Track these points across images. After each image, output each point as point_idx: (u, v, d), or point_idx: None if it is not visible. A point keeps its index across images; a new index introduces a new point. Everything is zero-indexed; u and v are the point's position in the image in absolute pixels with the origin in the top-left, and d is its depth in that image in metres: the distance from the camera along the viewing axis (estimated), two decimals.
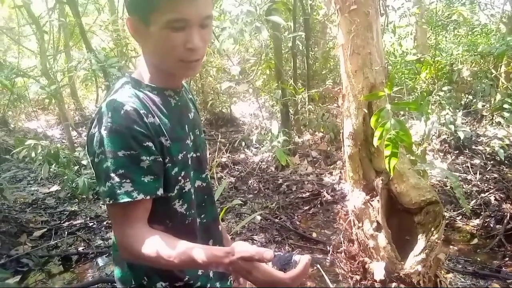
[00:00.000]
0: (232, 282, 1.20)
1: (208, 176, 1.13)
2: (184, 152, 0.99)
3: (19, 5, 5.58)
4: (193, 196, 1.03)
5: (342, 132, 1.95)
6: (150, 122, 0.89)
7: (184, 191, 0.99)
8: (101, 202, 4.26)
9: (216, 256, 0.82)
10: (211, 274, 1.08)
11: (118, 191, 0.84)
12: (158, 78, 0.96)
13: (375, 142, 1.55)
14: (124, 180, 0.85)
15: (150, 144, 0.88)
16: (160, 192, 0.91)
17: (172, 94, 1.00)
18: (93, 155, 0.88)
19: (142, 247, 0.85)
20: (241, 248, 0.80)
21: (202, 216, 1.09)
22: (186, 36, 0.86)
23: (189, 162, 1.01)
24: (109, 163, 0.84)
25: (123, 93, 0.92)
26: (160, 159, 0.91)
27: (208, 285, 1.06)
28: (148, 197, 0.87)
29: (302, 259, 0.84)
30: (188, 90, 1.14)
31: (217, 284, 1.10)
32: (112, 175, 0.84)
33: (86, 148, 0.95)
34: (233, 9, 3.41)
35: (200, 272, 1.05)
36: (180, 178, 0.97)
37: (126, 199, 0.85)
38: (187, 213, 1.01)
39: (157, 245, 0.85)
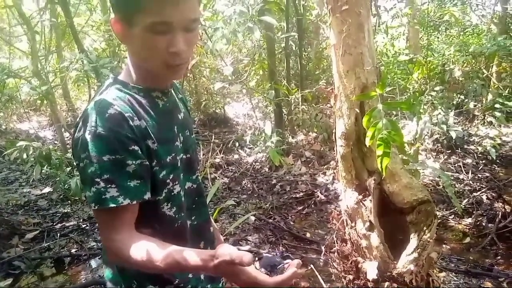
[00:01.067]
0: (224, 284, 1.19)
1: (199, 178, 1.12)
2: (173, 154, 0.97)
3: (9, 5, 5.53)
4: (182, 199, 1.02)
5: (335, 132, 1.95)
6: (136, 125, 0.87)
7: (172, 194, 0.98)
8: None
9: (201, 259, 0.81)
10: (202, 277, 1.07)
11: (104, 196, 0.83)
12: (144, 79, 0.94)
13: (367, 142, 1.55)
14: (110, 185, 0.83)
15: (136, 147, 0.86)
16: (147, 196, 0.89)
17: (159, 95, 0.98)
18: (78, 159, 0.87)
19: (129, 252, 0.84)
20: (223, 251, 0.79)
21: (193, 218, 1.08)
22: (169, 39, 0.83)
23: (179, 164, 1.00)
24: (94, 167, 0.83)
25: (108, 96, 0.90)
26: (147, 162, 0.89)
27: None
28: (134, 202, 0.86)
29: (290, 266, 0.83)
30: (178, 89, 1.13)
31: (208, 286, 1.09)
32: (97, 180, 0.83)
33: (72, 152, 0.93)
34: (226, 9, 3.39)
35: (190, 275, 1.04)
36: (168, 181, 0.96)
37: (112, 205, 0.83)
38: (176, 216, 1.00)
39: (144, 250, 0.83)
